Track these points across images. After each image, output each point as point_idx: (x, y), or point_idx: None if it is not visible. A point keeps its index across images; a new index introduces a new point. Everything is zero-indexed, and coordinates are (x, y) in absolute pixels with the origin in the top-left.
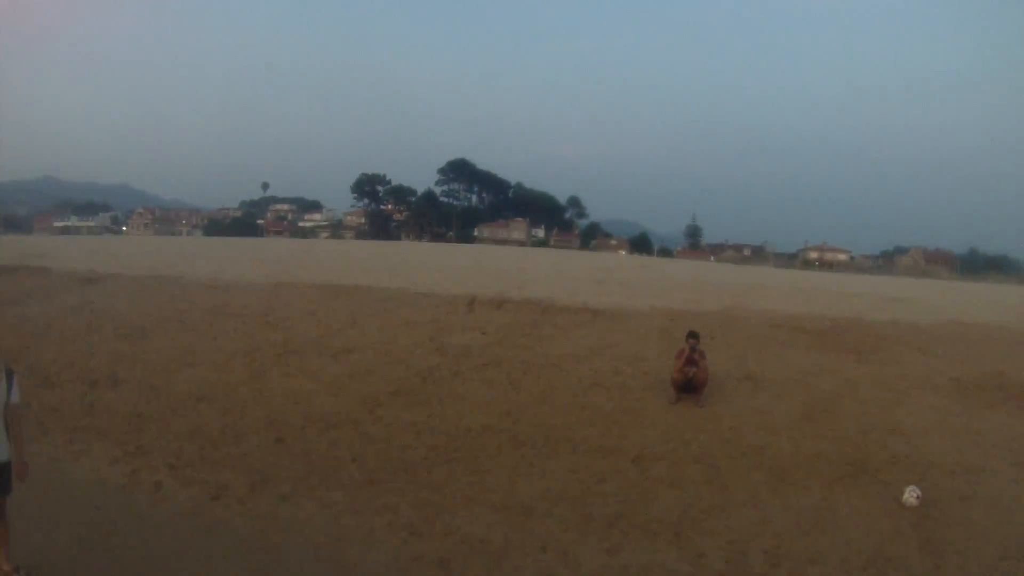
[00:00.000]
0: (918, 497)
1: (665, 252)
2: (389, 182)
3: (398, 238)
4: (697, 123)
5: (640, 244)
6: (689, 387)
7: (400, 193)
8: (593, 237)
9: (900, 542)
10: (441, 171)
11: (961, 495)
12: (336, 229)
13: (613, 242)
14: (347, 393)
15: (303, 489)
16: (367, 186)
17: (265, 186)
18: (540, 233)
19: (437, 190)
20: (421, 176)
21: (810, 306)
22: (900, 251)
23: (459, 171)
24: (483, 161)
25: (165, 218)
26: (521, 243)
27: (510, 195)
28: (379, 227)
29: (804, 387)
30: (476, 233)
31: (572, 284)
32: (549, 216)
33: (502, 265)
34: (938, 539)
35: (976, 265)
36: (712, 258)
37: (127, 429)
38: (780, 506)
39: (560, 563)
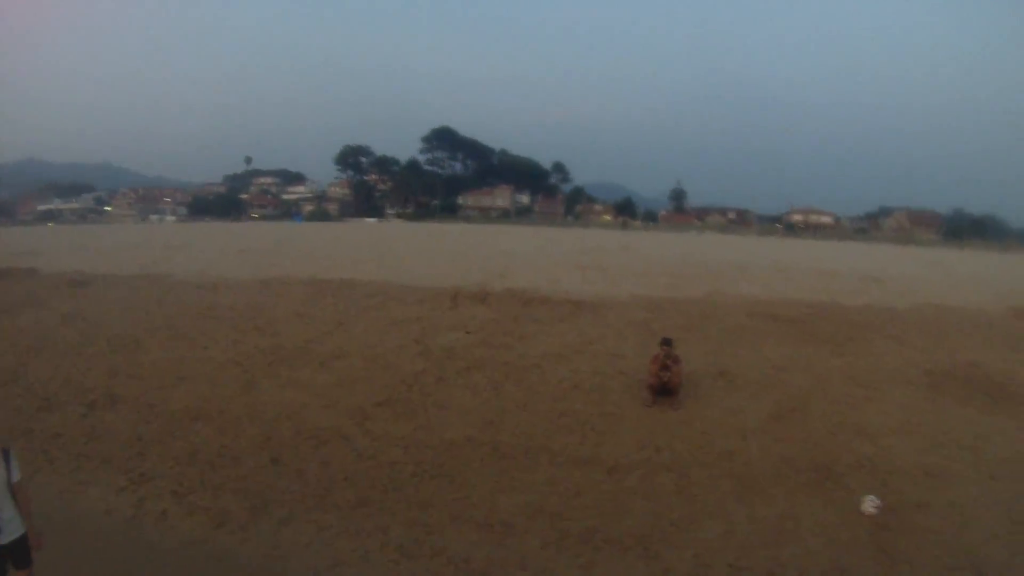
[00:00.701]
0: (877, 506)
1: (650, 217)
2: (373, 153)
3: (382, 210)
4: (685, 84)
5: (625, 209)
6: (664, 390)
7: (384, 163)
8: (578, 203)
9: (856, 552)
10: (425, 140)
11: (920, 502)
12: (320, 202)
13: (598, 207)
14: (336, 405)
15: (300, 512)
16: (350, 157)
17: (248, 160)
18: (525, 199)
19: (421, 159)
20: (405, 146)
21: (789, 289)
22: (885, 212)
23: (443, 139)
24: (467, 129)
25: (148, 197)
26: (505, 211)
27: (494, 162)
28: (363, 199)
29: (777, 384)
30: (460, 201)
31: (554, 270)
32: (533, 182)
33: (485, 248)
34: (892, 548)
35: (961, 227)
36: (697, 223)
37: (129, 454)
38: (746, 516)
39: None
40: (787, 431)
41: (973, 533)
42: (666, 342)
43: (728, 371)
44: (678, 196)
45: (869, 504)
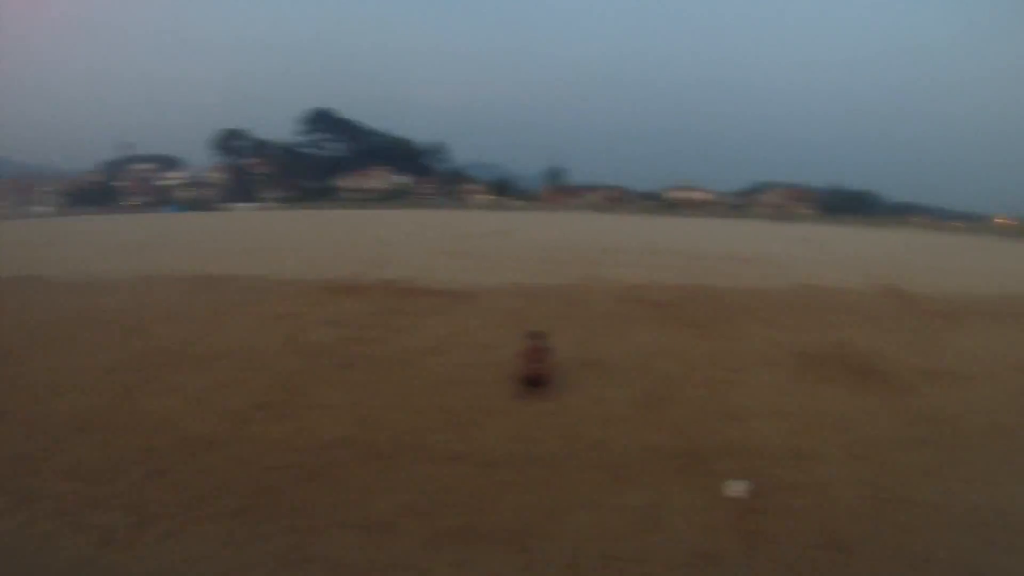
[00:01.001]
0: (742, 490)
1: (528, 196)
2: (251, 136)
3: (260, 195)
4: (562, 61)
5: (502, 188)
6: (535, 382)
7: (262, 148)
8: (455, 183)
9: (722, 536)
10: (303, 122)
11: (787, 484)
12: (197, 188)
13: (475, 187)
14: (214, 411)
15: (186, 524)
16: (228, 141)
17: (128, 145)
18: (403, 180)
19: (299, 142)
20: (284, 128)
21: (662, 273)
22: (763, 188)
23: (321, 121)
24: (346, 110)
25: (19, 188)
26: (384, 193)
27: (373, 143)
28: (240, 184)
29: (647, 371)
30: (339, 184)
31: (429, 258)
32: (412, 163)
33: (360, 237)
34: (758, 531)
35: (838, 202)
36: (575, 201)
37: (13, 473)
38: (615, 506)
39: None
40: (656, 418)
41: (838, 512)
42: (535, 335)
43: (599, 359)
44: (556, 174)
45: (734, 488)
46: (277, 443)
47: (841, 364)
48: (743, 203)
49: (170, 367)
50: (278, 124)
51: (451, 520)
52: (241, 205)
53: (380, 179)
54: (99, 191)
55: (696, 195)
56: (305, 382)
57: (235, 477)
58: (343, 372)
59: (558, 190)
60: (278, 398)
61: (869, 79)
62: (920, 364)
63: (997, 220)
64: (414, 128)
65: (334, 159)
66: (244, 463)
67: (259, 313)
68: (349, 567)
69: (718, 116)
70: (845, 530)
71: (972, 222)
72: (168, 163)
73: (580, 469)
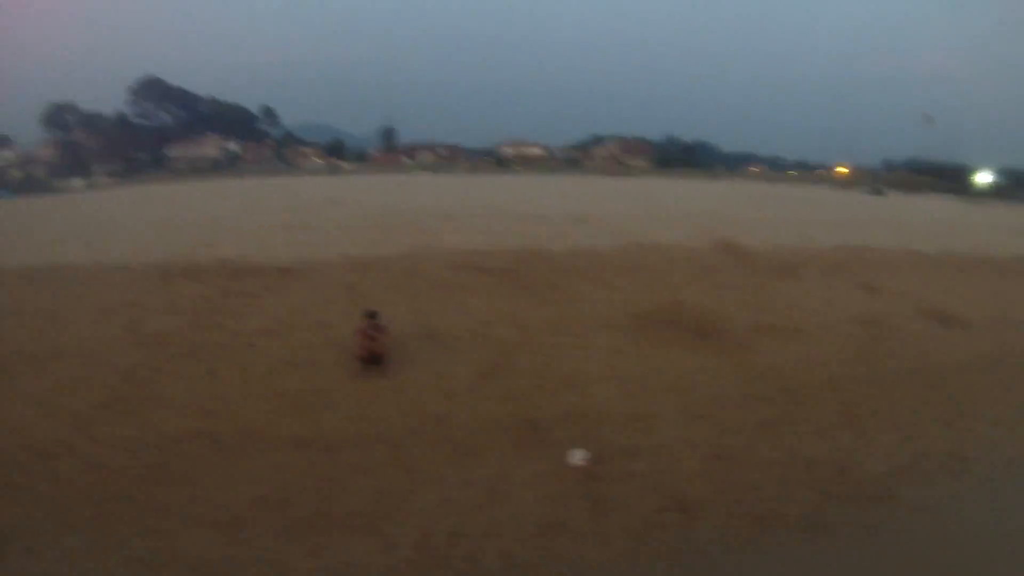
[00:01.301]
0: (584, 458)
1: (361, 158)
2: (79, 110)
3: (90, 170)
4: (389, 17)
5: (335, 151)
6: (373, 361)
7: (92, 121)
8: (287, 147)
9: (569, 504)
10: (132, 92)
11: (627, 448)
12: (27, 167)
13: (308, 151)
14: (58, 413)
15: (45, 537)
16: (57, 116)
17: None
18: (235, 147)
19: (129, 112)
20: (114, 100)
21: (494, 236)
22: (597, 141)
23: (151, 90)
24: (176, 77)
25: None
26: (215, 161)
27: (204, 111)
28: (73, 160)
29: (484, 340)
30: (171, 154)
31: (261, 232)
32: (244, 129)
33: (191, 212)
34: (603, 497)
35: (673, 154)
36: (407, 161)
37: None
38: (461, 481)
39: (274, 574)
40: (496, 389)
41: (679, 473)
42: (369, 314)
43: (436, 331)
44: (388, 135)
45: (576, 455)
46: (125, 443)
47: (677, 324)
48: (578, 157)
49: (5, 370)
50: (110, 95)
51: (303, 509)
52: (76, 181)
53: (212, 147)
54: None
55: (530, 151)
56: (148, 375)
57: (89, 482)
58: (185, 362)
59: (391, 151)
60: (121, 394)
61: (702, 26)
62: (755, 320)
63: (837, 170)
64: (245, 93)
65: (166, 128)
66: (95, 467)
67: (95, 304)
68: (209, 566)
69: (551, 69)
70: (687, 491)
71: (808, 172)
72: None
73: (424, 446)
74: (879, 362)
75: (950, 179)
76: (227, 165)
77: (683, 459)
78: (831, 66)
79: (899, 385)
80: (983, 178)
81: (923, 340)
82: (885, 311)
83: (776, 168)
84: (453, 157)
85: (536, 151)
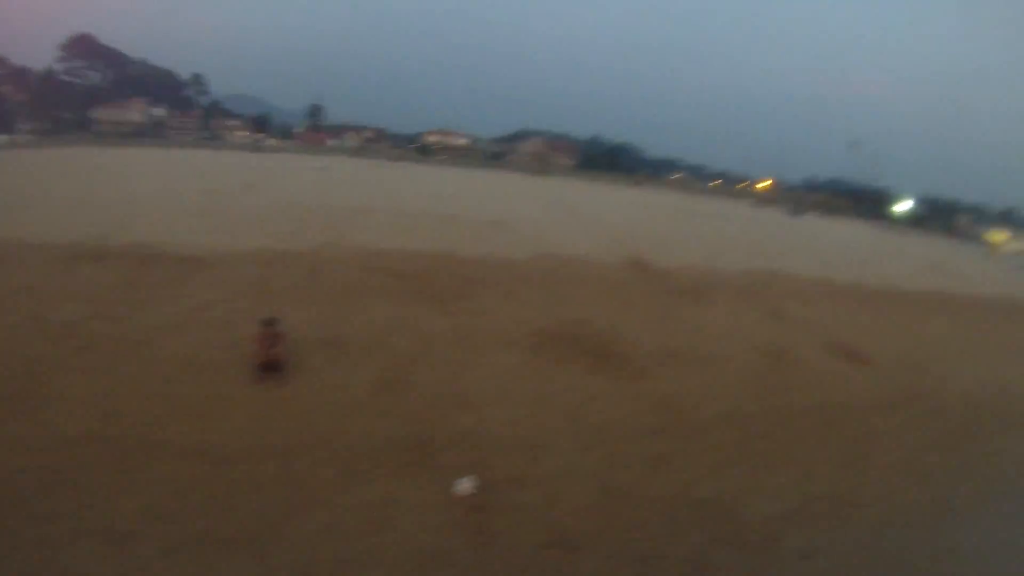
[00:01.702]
0: (472, 485)
1: (287, 134)
2: (8, 63)
3: (14, 127)
4: None
5: (261, 125)
6: (270, 368)
7: (21, 75)
8: (213, 117)
9: (452, 536)
10: (63, 48)
11: (515, 477)
12: None
13: (234, 123)
14: None
15: None
16: None
17: None
18: (161, 113)
19: (59, 69)
20: (42, 54)
21: (407, 237)
22: (524, 136)
23: (82, 47)
24: (110, 36)
25: None
26: (139, 126)
27: (133, 73)
28: None
29: (383, 351)
30: (96, 116)
31: (176, 216)
32: (172, 95)
33: (108, 186)
34: (487, 529)
35: (596, 156)
36: (332, 142)
37: None
38: (348, 503)
39: None
40: (390, 405)
41: (566, 508)
42: (267, 322)
43: (337, 337)
44: (316, 113)
45: (463, 484)
46: (19, 442)
47: (578, 344)
48: (502, 151)
49: None
50: (42, 52)
51: (190, 525)
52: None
53: (138, 111)
54: None
55: (455, 141)
56: (46, 369)
57: None
58: (85, 356)
59: (316, 130)
60: (21, 388)
61: (637, 28)
62: (659, 344)
63: (759, 185)
64: (176, 57)
65: (93, 88)
66: None
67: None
68: None
69: (484, 58)
70: (573, 527)
71: (731, 184)
72: None
73: (313, 464)
74: (780, 396)
75: (870, 204)
76: (151, 132)
77: (572, 492)
78: (764, 79)
79: (798, 422)
80: (902, 206)
81: (826, 376)
82: (791, 342)
83: (699, 177)
84: (378, 140)
85: (461, 141)
